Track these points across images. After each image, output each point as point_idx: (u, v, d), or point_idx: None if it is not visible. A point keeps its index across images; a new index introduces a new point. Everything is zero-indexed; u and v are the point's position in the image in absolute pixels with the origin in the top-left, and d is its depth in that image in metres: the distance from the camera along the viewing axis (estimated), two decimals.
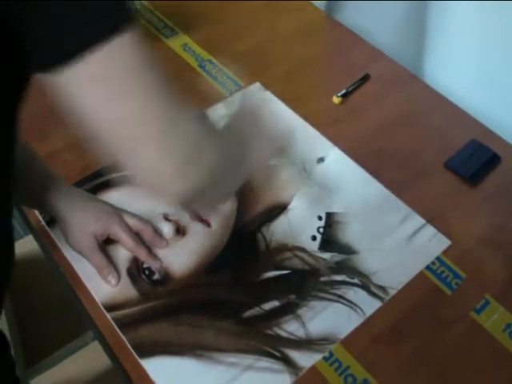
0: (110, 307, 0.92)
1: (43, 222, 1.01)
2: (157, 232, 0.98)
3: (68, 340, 1.39)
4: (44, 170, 0.95)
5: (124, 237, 0.96)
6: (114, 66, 0.55)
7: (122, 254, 0.96)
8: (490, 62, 1.20)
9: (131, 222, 0.97)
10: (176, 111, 0.62)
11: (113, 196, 1.03)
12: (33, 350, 1.34)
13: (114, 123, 0.58)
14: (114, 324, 0.90)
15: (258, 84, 1.21)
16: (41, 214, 1.01)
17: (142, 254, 0.95)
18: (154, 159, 0.61)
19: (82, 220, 0.94)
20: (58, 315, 1.39)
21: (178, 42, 1.30)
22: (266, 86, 1.20)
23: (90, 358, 1.51)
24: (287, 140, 0.94)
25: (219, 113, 1.15)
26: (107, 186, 1.05)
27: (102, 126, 0.58)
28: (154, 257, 0.96)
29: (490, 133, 1.13)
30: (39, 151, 1.02)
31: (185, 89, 1.07)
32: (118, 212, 0.97)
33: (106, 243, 0.97)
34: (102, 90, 0.56)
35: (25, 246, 1.42)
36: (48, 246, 1.00)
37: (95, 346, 1.46)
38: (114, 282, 0.94)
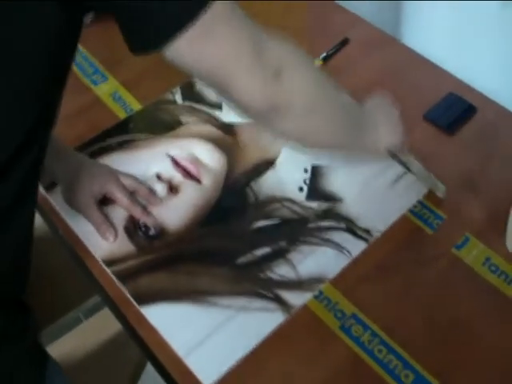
0: (110, 262, 0.96)
1: (41, 188, 1.04)
2: (151, 191, 1.02)
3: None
4: None
5: (119, 195, 1.00)
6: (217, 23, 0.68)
7: (119, 213, 1.01)
8: (462, 24, 1.25)
9: (127, 181, 1.02)
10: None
11: (107, 160, 1.07)
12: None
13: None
14: (113, 277, 0.94)
15: None
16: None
17: (137, 212, 1.00)
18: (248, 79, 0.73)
19: (79, 179, 0.99)
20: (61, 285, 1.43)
21: None
22: None
23: (98, 326, 1.56)
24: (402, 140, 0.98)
25: None
26: (101, 152, 1.09)
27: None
28: (149, 214, 1.00)
29: (466, 86, 1.18)
30: None
31: None
32: (114, 172, 1.02)
33: (103, 204, 1.01)
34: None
35: None
36: (47, 210, 1.04)
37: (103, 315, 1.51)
38: (111, 238, 0.98)
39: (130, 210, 1.01)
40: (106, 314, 1.65)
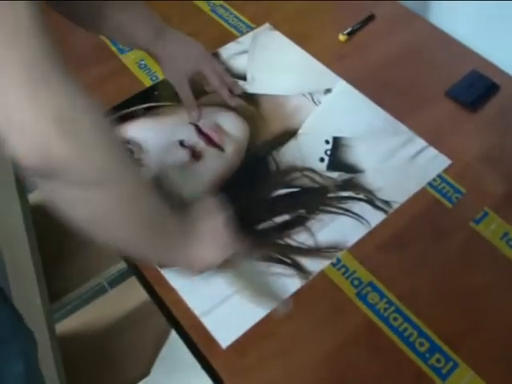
0: None
1: None
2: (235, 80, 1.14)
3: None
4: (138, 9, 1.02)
5: (213, 76, 1.09)
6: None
7: (144, 177, 1.02)
8: (488, 3, 1.25)
9: (217, 65, 1.11)
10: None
11: (132, 125, 1.09)
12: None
13: None
14: None
15: (267, 24, 1.27)
16: None
17: (225, 93, 1.10)
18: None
19: (176, 56, 1.06)
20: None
21: None
22: (276, 26, 1.26)
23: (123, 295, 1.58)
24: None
25: (231, 51, 1.21)
26: (127, 117, 1.12)
27: None
28: (234, 97, 1.11)
29: (489, 64, 1.18)
30: None
31: (198, 31, 1.15)
32: (208, 54, 1.10)
33: None
34: None
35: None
36: None
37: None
38: (196, 117, 1.09)
39: (219, 90, 1.09)
40: (130, 283, 1.68)
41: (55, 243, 1.45)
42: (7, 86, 0.54)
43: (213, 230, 0.83)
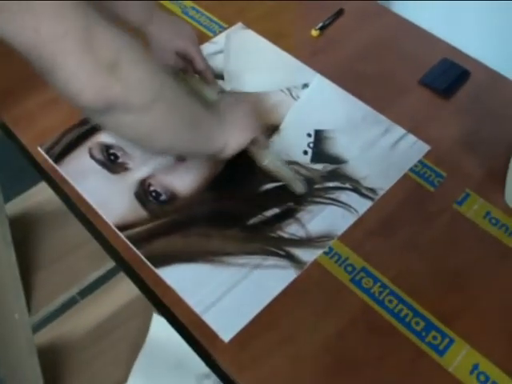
0: (123, 227, 0.99)
1: (50, 161, 1.07)
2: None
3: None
4: None
5: (199, 57, 1.12)
6: None
7: (130, 180, 1.03)
8: None
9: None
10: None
11: None
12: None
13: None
14: (127, 241, 0.97)
15: (240, 24, 1.29)
16: (47, 153, 1.07)
17: (210, 76, 1.14)
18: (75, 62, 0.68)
19: (166, 32, 1.09)
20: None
21: None
22: (248, 25, 1.28)
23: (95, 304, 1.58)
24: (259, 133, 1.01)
25: (206, 51, 1.23)
26: None
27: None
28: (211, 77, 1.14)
29: (458, 52, 1.22)
30: (41, 97, 1.12)
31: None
32: (195, 35, 1.13)
33: (113, 172, 1.04)
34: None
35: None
36: (58, 181, 1.06)
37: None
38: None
39: (204, 72, 1.13)
40: (101, 293, 1.69)
41: (29, 255, 1.45)
42: (65, 33, 0.64)
43: (241, 116, 0.97)
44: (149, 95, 0.76)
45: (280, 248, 0.95)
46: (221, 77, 1.18)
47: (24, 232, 1.39)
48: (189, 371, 1.53)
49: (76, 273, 1.37)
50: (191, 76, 1.14)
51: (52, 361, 1.49)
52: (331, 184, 1.03)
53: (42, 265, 1.37)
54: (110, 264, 1.38)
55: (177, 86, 0.83)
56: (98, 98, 0.69)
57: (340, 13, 1.30)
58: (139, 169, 1.05)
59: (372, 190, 1.01)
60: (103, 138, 1.09)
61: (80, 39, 0.66)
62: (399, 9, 1.36)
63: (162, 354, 1.50)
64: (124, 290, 1.61)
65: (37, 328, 1.50)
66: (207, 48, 1.24)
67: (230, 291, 0.91)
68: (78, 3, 0.66)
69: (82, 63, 0.67)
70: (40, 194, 1.47)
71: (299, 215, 0.99)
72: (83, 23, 0.66)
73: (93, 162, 1.06)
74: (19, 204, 1.47)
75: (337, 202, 1.00)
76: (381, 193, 1.01)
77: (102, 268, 1.35)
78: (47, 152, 1.08)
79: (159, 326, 1.60)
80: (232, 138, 0.94)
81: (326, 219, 0.98)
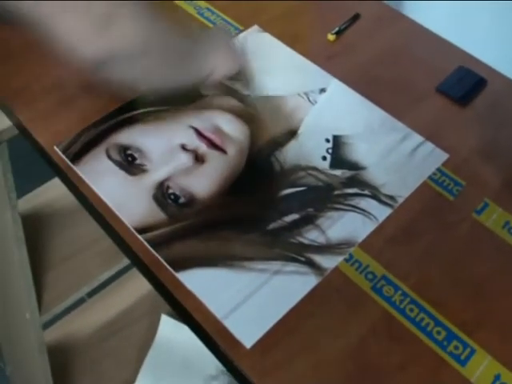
0: (142, 230, 0.98)
1: (67, 161, 1.06)
2: None
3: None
4: None
5: None
6: None
7: (148, 182, 1.03)
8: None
9: None
10: None
11: (130, 131, 1.09)
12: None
13: None
14: (147, 244, 0.97)
15: (256, 26, 1.29)
16: (64, 153, 1.07)
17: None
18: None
19: None
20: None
21: None
22: (264, 28, 1.28)
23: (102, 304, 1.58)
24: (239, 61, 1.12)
25: None
26: (124, 123, 1.12)
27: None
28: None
29: (474, 59, 1.23)
30: (57, 97, 1.12)
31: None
32: None
33: (131, 174, 1.04)
34: None
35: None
36: (75, 182, 1.05)
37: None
38: None
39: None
40: (109, 292, 1.69)
41: (39, 253, 1.44)
42: None
43: (222, 47, 1.07)
44: (139, 47, 0.86)
45: (300, 254, 0.96)
46: (238, 79, 1.18)
47: (34, 230, 1.38)
48: (197, 372, 1.53)
49: (87, 272, 1.36)
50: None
51: (60, 359, 1.49)
52: (350, 190, 1.03)
53: (52, 263, 1.37)
54: (122, 263, 1.37)
55: (167, 33, 0.94)
56: (97, 53, 0.82)
57: (356, 17, 1.30)
58: (157, 171, 1.04)
59: (391, 198, 1.02)
60: (120, 138, 1.08)
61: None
62: (413, 14, 1.36)
63: (171, 354, 1.50)
64: (132, 290, 1.61)
65: (44, 326, 1.50)
66: None
67: (250, 297, 0.91)
68: None
69: (79, 20, 0.78)
70: (51, 192, 1.46)
71: (319, 221, 0.99)
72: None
73: (110, 163, 1.05)
74: (30, 201, 1.47)
75: (356, 208, 1.01)
76: (400, 200, 1.02)
77: (113, 267, 1.35)
78: (64, 152, 1.07)
79: (168, 327, 1.60)
80: (217, 66, 1.05)
81: (345, 226, 0.99)
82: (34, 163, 1.24)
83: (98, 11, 0.80)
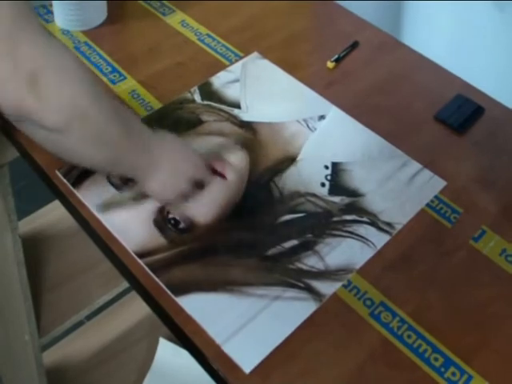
0: (142, 254, 0.99)
1: (69, 185, 1.07)
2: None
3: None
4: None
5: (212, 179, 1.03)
6: None
7: (148, 207, 1.04)
8: (460, 28, 1.31)
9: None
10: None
11: None
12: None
13: None
14: (147, 269, 0.98)
15: (255, 53, 1.31)
16: (65, 176, 1.08)
17: None
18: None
19: (177, 167, 0.99)
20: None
21: (176, 20, 1.38)
22: (264, 54, 1.30)
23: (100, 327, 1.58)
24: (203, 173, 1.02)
25: (223, 80, 1.24)
26: None
27: None
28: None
29: (472, 88, 1.24)
30: None
31: (189, 59, 1.18)
32: (201, 155, 1.03)
33: (131, 199, 1.04)
34: None
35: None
36: (76, 206, 1.06)
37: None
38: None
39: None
40: (107, 315, 1.69)
41: (38, 276, 1.45)
42: None
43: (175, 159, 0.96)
44: (64, 120, 0.75)
45: (299, 280, 0.96)
46: (237, 106, 1.19)
47: (34, 252, 1.39)
48: None
49: (86, 295, 1.37)
50: None
51: (58, 382, 1.49)
52: (349, 217, 1.04)
53: (51, 286, 1.37)
54: (121, 286, 1.38)
55: (104, 111, 0.81)
56: (12, 107, 0.71)
57: (355, 45, 1.32)
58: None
59: (389, 225, 1.03)
60: None
61: (2, 47, 0.67)
62: (411, 42, 1.38)
63: (169, 378, 1.50)
64: (131, 313, 1.61)
65: (43, 348, 1.50)
66: (223, 76, 1.25)
67: (250, 322, 0.92)
68: (7, 4, 0.65)
69: (2, 71, 0.68)
70: (51, 214, 1.47)
71: (318, 247, 1.00)
72: (8, 29, 0.66)
73: (111, 188, 1.06)
74: (30, 223, 1.47)
75: (355, 235, 1.02)
76: (398, 227, 1.03)
77: (112, 291, 1.35)
78: (65, 176, 1.08)
79: (166, 351, 1.60)
80: (153, 181, 0.95)
81: (344, 252, 0.99)
82: (34, 185, 1.25)
83: (25, 68, 0.69)
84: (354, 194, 1.07)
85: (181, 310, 0.94)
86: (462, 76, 1.27)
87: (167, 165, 0.94)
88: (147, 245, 1.00)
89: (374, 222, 1.03)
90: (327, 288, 0.96)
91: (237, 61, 1.29)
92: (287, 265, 0.98)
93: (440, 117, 1.18)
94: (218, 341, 0.90)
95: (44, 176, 1.11)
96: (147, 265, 0.98)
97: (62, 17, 1.33)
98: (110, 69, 1.28)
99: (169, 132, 1.02)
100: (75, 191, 1.07)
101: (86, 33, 1.35)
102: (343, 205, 1.06)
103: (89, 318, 1.70)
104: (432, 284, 0.97)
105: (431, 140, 1.16)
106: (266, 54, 1.30)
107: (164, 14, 1.40)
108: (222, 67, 1.27)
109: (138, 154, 0.91)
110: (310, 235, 1.02)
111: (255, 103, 1.20)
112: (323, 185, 1.08)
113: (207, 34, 1.35)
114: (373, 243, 1.01)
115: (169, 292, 0.95)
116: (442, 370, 0.89)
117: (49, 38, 0.71)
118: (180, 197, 1.03)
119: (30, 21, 0.68)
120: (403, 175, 1.10)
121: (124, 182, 1.06)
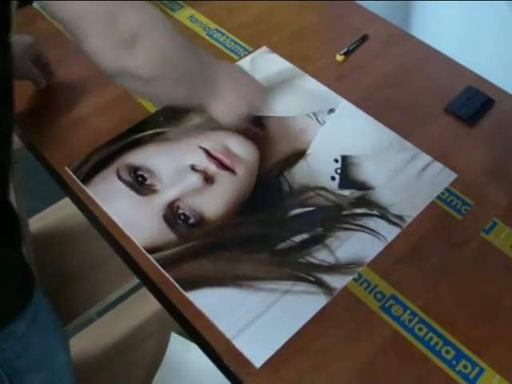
0: (152, 250, 0.99)
1: (78, 181, 1.07)
2: None
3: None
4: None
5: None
6: None
7: (158, 202, 1.04)
8: (469, 23, 1.30)
9: None
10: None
11: (142, 152, 1.11)
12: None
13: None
14: (157, 264, 0.98)
15: (264, 47, 1.30)
16: (75, 173, 1.08)
17: None
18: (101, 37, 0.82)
19: (240, 89, 1.07)
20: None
21: (185, 15, 1.38)
22: (273, 49, 1.29)
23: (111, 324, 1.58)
24: (262, 98, 1.11)
25: None
26: (134, 144, 1.13)
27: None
28: None
29: (482, 79, 1.24)
30: (68, 118, 1.13)
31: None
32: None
33: (141, 194, 1.05)
34: None
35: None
36: (86, 202, 1.07)
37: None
38: None
39: None
40: (117, 312, 1.69)
41: (48, 273, 1.45)
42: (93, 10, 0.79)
43: (232, 84, 1.04)
44: (156, 71, 0.87)
45: (310, 274, 0.96)
46: None
47: (45, 249, 1.39)
48: None
49: (97, 291, 1.37)
50: None
51: None
52: (359, 210, 1.03)
53: (62, 283, 1.37)
54: (131, 283, 1.38)
55: (186, 56, 0.94)
56: (113, 66, 0.84)
57: (364, 38, 1.31)
58: (167, 191, 1.05)
59: (400, 218, 1.02)
60: (131, 159, 1.09)
61: (105, 17, 0.79)
62: (421, 35, 1.37)
63: (180, 373, 1.50)
64: (142, 308, 1.62)
65: None
66: None
67: (260, 316, 0.92)
68: None
69: (104, 40, 0.81)
70: (61, 211, 1.47)
71: (328, 241, 1.00)
72: (108, 4, 0.79)
73: (120, 183, 1.06)
74: (41, 220, 1.48)
75: (365, 228, 1.01)
76: (408, 220, 1.02)
77: (123, 287, 1.35)
78: (75, 172, 1.08)
79: (177, 345, 1.60)
80: (220, 106, 1.03)
81: (354, 246, 0.99)
82: (44, 182, 1.25)
83: (124, 33, 0.82)
84: (363, 187, 1.07)
85: (191, 305, 0.94)
86: (472, 68, 1.26)
87: (231, 91, 1.02)
88: (157, 240, 1.00)
89: (384, 215, 1.03)
90: (338, 282, 0.96)
91: (246, 55, 1.29)
92: (297, 259, 0.98)
93: (450, 109, 1.18)
94: (228, 335, 0.90)
95: (54, 173, 1.11)
96: (157, 260, 0.98)
97: None
98: None
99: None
100: (85, 187, 1.07)
101: None
102: (353, 198, 1.05)
103: (99, 314, 1.71)
104: (443, 277, 0.97)
105: (441, 132, 1.15)
106: (275, 49, 1.30)
107: (173, 10, 1.40)
108: (231, 62, 1.27)
109: (209, 85, 1.00)
110: (320, 229, 1.01)
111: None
112: (333, 178, 1.08)
113: (216, 29, 1.35)
114: (383, 236, 1.00)
115: (179, 287, 0.95)
116: (454, 362, 0.88)
117: (140, 4, 0.84)
118: (190, 191, 1.02)
119: None
120: (413, 168, 1.09)
121: (134, 179, 1.06)
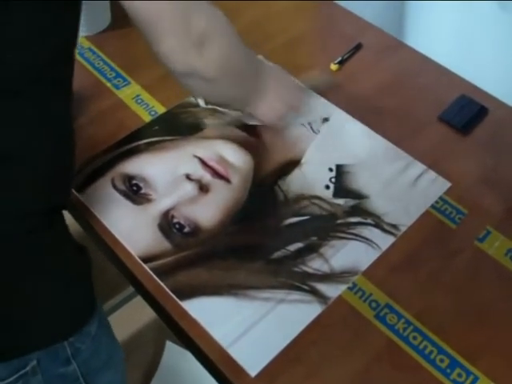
0: (147, 259, 0.99)
1: (73, 190, 1.07)
2: None
3: None
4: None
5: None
6: None
7: (153, 211, 1.04)
8: (463, 28, 1.31)
9: None
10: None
11: (135, 161, 1.11)
12: None
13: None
14: (151, 273, 0.98)
15: (260, 56, 1.31)
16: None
17: None
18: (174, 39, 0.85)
19: (282, 90, 1.11)
20: None
21: None
22: (267, 57, 1.29)
23: None
24: (302, 100, 1.14)
25: None
26: (129, 153, 1.13)
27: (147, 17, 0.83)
28: None
29: (476, 88, 1.24)
30: None
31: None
32: None
33: (136, 203, 1.05)
34: None
35: None
36: (81, 211, 1.07)
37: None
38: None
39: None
40: (114, 319, 1.68)
41: None
42: (167, 15, 0.83)
43: (280, 85, 1.09)
44: (219, 72, 0.91)
45: (304, 283, 0.96)
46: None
47: None
48: None
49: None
50: None
51: None
52: (353, 219, 1.04)
53: None
54: (126, 292, 1.38)
55: (245, 59, 0.99)
56: (182, 66, 0.88)
57: (358, 47, 1.31)
58: (162, 200, 1.05)
59: (394, 226, 1.03)
60: (126, 168, 1.10)
61: (181, 17, 0.83)
62: (415, 43, 1.38)
63: (175, 382, 1.50)
64: (137, 317, 1.61)
65: None
66: None
67: (255, 325, 0.92)
68: None
69: (181, 39, 0.85)
70: None
71: (322, 250, 1.00)
72: (183, 5, 0.83)
73: (115, 193, 1.06)
74: None
75: (359, 237, 1.01)
76: (403, 229, 1.02)
77: (117, 296, 1.35)
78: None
79: (173, 354, 1.60)
80: (263, 105, 1.06)
81: (349, 254, 0.99)
82: None
83: (195, 36, 0.85)
84: (358, 196, 1.07)
85: (186, 314, 0.94)
86: (466, 77, 1.26)
87: (274, 92, 1.06)
88: (152, 249, 1.00)
89: (379, 223, 1.03)
90: (332, 290, 0.96)
91: None
92: (292, 268, 0.98)
93: (444, 118, 1.18)
94: (223, 344, 0.90)
95: None
96: (152, 269, 0.98)
97: None
98: (113, 74, 1.29)
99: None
100: (80, 196, 1.07)
101: (89, 38, 1.35)
102: (348, 207, 1.05)
103: None
104: (437, 285, 0.97)
105: (435, 141, 1.15)
106: (269, 58, 1.30)
107: None
108: None
109: (259, 87, 1.04)
110: (314, 238, 1.02)
111: None
112: (327, 187, 1.08)
113: None
114: (377, 245, 1.01)
115: (174, 296, 0.95)
116: (448, 371, 0.88)
117: (209, 6, 0.87)
118: (185, 200, 1.04)
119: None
120: (407, 177, 1.10)
121: (129, 188, 1.06)
